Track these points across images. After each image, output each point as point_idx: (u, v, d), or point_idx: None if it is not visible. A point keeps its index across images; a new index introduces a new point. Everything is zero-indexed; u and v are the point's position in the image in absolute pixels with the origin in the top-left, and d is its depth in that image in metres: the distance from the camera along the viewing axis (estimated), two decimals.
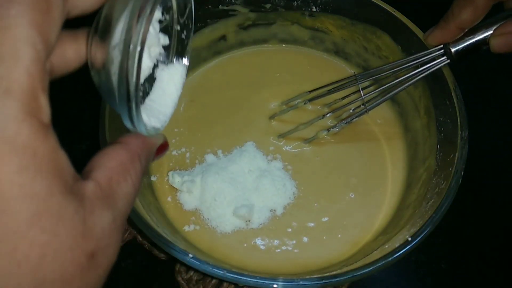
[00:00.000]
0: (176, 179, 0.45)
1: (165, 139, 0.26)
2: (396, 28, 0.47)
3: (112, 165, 0.21)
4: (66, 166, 0.18)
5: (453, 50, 0.40)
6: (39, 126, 0.17)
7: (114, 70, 0.21)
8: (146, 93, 0.27)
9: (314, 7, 0.51)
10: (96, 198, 0.19)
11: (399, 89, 0.43)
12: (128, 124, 0.23)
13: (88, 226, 0.18)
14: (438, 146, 0.43)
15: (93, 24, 0.23)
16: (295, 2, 0.52)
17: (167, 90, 0.28)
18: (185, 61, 0.29)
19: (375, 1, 0.47)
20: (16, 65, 0.17)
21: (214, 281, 0.44)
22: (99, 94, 0.23)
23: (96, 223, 0.18)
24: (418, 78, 0.42)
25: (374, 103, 0.45)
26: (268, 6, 0.52)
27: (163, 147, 0.26)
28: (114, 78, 0.21)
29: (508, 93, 0.58)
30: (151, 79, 0.27)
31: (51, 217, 0.17)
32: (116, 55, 0.21)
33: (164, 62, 0.28)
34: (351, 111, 0.48)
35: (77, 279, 0.18)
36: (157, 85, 0.28)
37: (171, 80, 0.28)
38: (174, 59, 0.29)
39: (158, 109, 0.27)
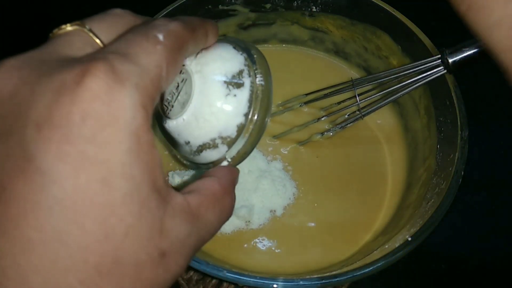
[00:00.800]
0: (176, 179, 0.45)
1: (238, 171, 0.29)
2: (396, 28, 0.47)
3: (206, 193, 0.23)
4: (157, 167, 0.20)
5: (450, 60, 0.39)
6: (147, 119, 0.19)
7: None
8: None
9: (314, 7, 0.51)
10: (181, 210, 0.21)
11: (394, 97, 0.43)
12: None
13: (165, 226, 0.20)
14: (438, 146, 0.43)
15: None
16: (295, 2, 0.52)
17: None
18: None
19: (375, 1, 0.47)
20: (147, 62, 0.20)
21: (214, 281, 0.44)
22: None
23: (173, 228, 0.20)
24: (414, 87, 0.42)
25: (369, 109, 0.45)
26: (268, 6, 0.52)
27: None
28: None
29: (508, 93, 0.58)
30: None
31: (138, 203, 0.19)
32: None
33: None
34: (346, 116, 0.48)
35: (147, 271, 0.19)
36: None
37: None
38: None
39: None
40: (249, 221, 0.44)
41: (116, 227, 0.18)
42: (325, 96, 0.48)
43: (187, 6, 0.48)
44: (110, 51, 0.19)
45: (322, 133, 0.49)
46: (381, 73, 0.45)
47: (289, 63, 0.55)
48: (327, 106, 0.50)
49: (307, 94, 0.50)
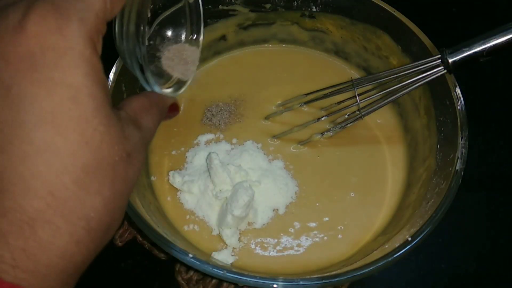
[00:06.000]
0: (176, 179, 0.45)
1: (176, 101, 0.33)
2: (396, 28, 0.47)
3: (136, 104, 0.28)
4: (108, 90, 0.24)
5: (450, 60, 0.39)
6: (95, 49, 0.23)
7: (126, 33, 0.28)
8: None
9: (314, 7, 0.51)
10: (128, 120, 0.26)
11: (394, 97, 0.43)
12: (144, 85, 0.31)
13: (125, 133, 0.25)
14: (438, 146, 0.43)
15: None
16: (295, 2, 0.52)
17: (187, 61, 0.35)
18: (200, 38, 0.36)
19: (375, 1, 0.47)
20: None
21: (214, 281, 0.44)
22: None
23: (130, 134, 0.25)
24: (414, 87, 0.42)
25: (369, 109, 0.45)
26: (268, 6, 0.52)
27: (173, 108, 0.33)
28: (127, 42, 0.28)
29: (508, 93, 0.58)
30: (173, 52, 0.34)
31: (105, 116, 0.23)
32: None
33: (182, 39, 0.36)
34: (346, 116, 0.48)
35: (120, 169, 0.24)
36: (177, 57, 0.35)
37: (189, 55, 0.35)
38: (191, 37, 0.36)
39: (177, 77, 0.34)
40: (253, 222, 0.44)
41: (93, 136, 0.22)
42: (325, 96, 0.48)
43: None
44: None
45: (322, 133, 0.49)
46: (381, 73, 0.45)
47: (289, 63, 0.55)
48: (327, 106, 0.50)
49: (307, 94, 0.50)
